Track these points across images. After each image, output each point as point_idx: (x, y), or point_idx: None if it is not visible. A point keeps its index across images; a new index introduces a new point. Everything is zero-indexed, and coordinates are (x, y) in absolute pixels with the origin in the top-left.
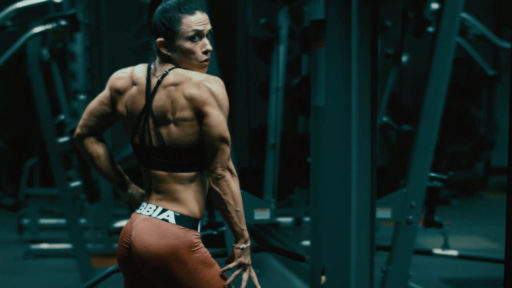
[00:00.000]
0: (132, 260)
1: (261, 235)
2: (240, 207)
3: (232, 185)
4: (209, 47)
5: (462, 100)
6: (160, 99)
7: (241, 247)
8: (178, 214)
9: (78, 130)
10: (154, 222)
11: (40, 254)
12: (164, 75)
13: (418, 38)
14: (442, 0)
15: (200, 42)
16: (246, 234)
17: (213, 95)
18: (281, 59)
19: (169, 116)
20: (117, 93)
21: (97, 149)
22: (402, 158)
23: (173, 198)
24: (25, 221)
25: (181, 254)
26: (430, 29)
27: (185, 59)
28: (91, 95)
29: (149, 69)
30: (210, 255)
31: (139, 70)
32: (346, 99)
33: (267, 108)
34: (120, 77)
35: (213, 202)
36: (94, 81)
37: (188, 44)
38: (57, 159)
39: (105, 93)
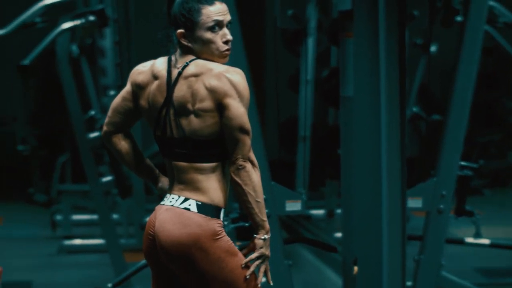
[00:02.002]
0: (157, 251)
1: (293, 227)
2: (261, 198)
3: (253, 175)
4: (230, 37)
5: (493, 89)
6: (180, 90)
7: (263, 237)
8: (200, 203)
9: (104, 128)
10: (176, 211)
11: (73, 250)
12: (185, 66)
13: (446, 28)
14: None
15: (220, 32)
16: (267, 225)
17: (233, 86)
18: (310, 52)
19: (189, 106)
20: (139, 88)
21: (125, 145)
22: (432, 148)
23: (195, 187)
24: (58, 217)
25: (203, 242)
26: (459, 18)
27: (205, 50)
28: (121, 90)
29: (169, 61)
30: (233, 244)
31: (160, 63)
32: (375, 89)
33: (297, 101)
34: (141, 71)
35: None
36: (123, 76)
37: (208, 35)
38: (88, 154)
39: (127, 89)
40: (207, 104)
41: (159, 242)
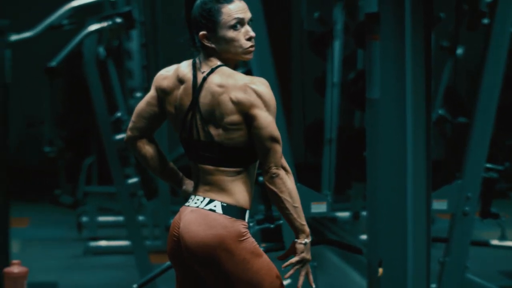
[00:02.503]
0: (182, 252)
1: (319, 229)
2: (298, 203)
3: (288, 182)
4: (252, 33)
5: None
6: (206, 97)
7: (303, 242)
8: (225, 204)
9: (128, 133)
10: (201, 212)
11: (98, 251)
12: (210, 72)
13: (472, 31)
14: None
15: (243, 30)
16: (307, 229)
17: (259, 97)
18: (336, 54)
19: (217, 119)
20: (164, 92)
21: (150, 150)
22: (458, 150)
23: (220, 189)
24: (84, 219)
25: (228, 244)
26: (485, 21)
27: (229, 49)
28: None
29: (194, 64)
30: (258, 245)
31: (185, 67)
32: (400, 91)
33: (322, 103)
34: (165, 76)
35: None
36: (150, 79)
37: (231, 33)
38: (114, 156)
39: (151, 94)
40: (235, 118)
41: (184, 243)
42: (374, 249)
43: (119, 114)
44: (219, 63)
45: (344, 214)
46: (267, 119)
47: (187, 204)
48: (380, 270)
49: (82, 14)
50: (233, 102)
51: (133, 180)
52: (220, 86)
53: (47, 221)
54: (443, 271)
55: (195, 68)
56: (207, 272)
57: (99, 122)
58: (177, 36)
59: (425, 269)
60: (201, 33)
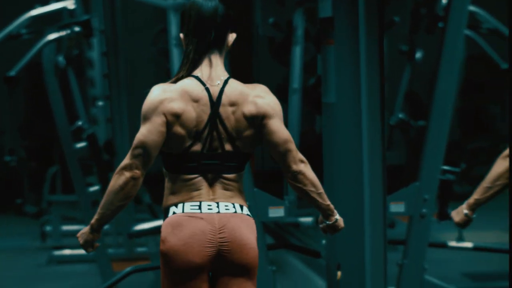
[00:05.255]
0: (217, 260)
1: (280, 234)
2: (321, 189)
3: (308, 174)
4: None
5: (481, 96)
6: (226, 111)
7: (338, 217)
8: (247, 207)
9: (134, 173)
10: (243, 218)
11: (62, 260)
12: (225, 84)
13: (430, 34)
14: None
15: None
16: (332, 206)
17: (269, 106)
18: (297, 60)
19: (234, 133)
20: (175, 116)
21: (134, 192)
22: (419, 154)
23: (239, 193)
24: (48, 228)
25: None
26: (441, 25)
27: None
28: (109, 101)
29: (198, 78)
30: None
31: (191, 84)
32: (356, 95)
33: (285, 109)
34: (172, 98)
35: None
36: (111, 87)
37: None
38: (75, 164)
39: (160, 122)
40: (250, 131)
41: (235, 247)
42: (332, 252)
43: (80, 122)
44: (225, 71)
45: (307, 219)
46: (277, 125)
47: (208, 211)
48: (339, 273)
49: (41, 23)
50: (246, 118)
51: (95, 188)
52: (235, 103)
53: (11, 231)
54: (402, 273)
55: (203, 82)
56: (236, 275)
57: (59, 131)
58: (138, 44)
59: (382, 271)
60: (233, 34)
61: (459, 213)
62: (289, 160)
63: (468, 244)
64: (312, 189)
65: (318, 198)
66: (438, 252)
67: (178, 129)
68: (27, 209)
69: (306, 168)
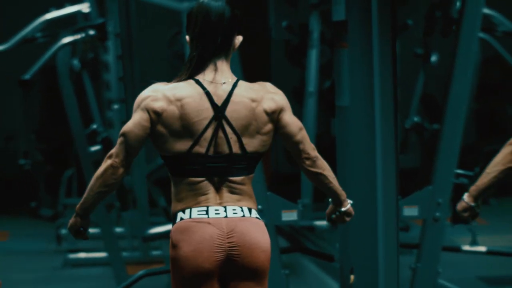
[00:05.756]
0: (228, 265)
1: (295, 237)
2: (333, 173)
3: (322, 160)
4: None
5: (497, 98)
6: (239, 111)
7: (350, 201)
8: (256, 210)
9: (114, 161)
10: (253, 221)
11: (77, 263)
12: (234, 86)
13: (445, 38)
14: None
15: None
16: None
17: (283, 101)
18: (313, 63)
19: (253, 131)
20: (156, 114)
21: (117, 183)
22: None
23: (249, 196)
24: (63, 231)
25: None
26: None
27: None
28: (124, 104)
29: (198, 82)
30: None
31: (183, 86)
32: (369, 98)
33: (301, 112)
34: (155, 98)
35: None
36: (126, 90)
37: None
38: (90, 168)
39: (144, 117)
40: (269, 126)
41: (246, 251)
42: (345, 256)
43: (94, 126)
44: (232, 74)
45: (322, 223)
46: (292, 116)
47: (218, 215)
48: (352, 277)
49: (56, 27)
50: (267, 113)
51: None
52: (254, 100)
53: (27, 234)
54: (415, 277)
55: (202, 85)
56: (250, 279)
57: (74, 134)
58: (153, 47)
59: (395, 275)
60: (240, 36)
61: (460, 201)
62: (307, 147)
63: (482, 248)
64: (330, 173)
65: (335, 183)
66: (452, 256)
67: (161, 129)
68: (43, 212)
69: (319, 156)
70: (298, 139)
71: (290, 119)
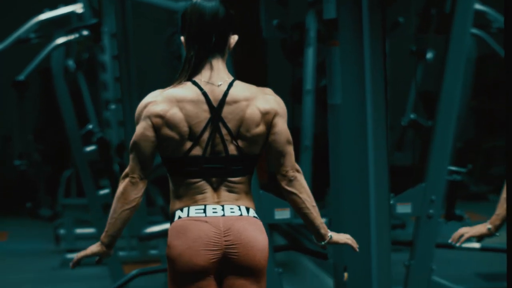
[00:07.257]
0: (222, 263)
1: (292, 235)
2: (314, 202)
3: (304, 183)
4: None
5: (496, 95)
6: (232, 112)
7: (330, 235)
8: (254, 210)
9: (130, 178)
10: (250, 220)
11: None
12: (230, 86)
13: (439, 35)
14: None
15: None
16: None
17: (279, 106)
18: (309, 61)
19: (245, 131)
20: (160, 117)
21: (138, 199)
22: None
23: (246, 196)
24: (61, 231)
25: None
26: None
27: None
28: (121, 105)
29: (195, 83)
30: None
31: (181, 89)
32: (361, 96)
33: (299, 110)
34: (155, 102)
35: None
36: (123, 90)
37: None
38: (85, 168)
39: (146, 126)
40: (261, 128)
41: (245, 250)
42: (339, 254)
43: (90, 126)
44: (228, 74)
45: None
46: (284, 125)
47: (215, 214)
48: (345, 274)
49: (50, 28)
50: (261, 112)
51: (105, 191)
52: (247, 99)
53: (26, 234)
54: (409, 274)
55: (199, 86)
56: (248, 278)
57: (69, 135)
58: (150, 47)
59: (388, 271)
60: (235, 36)
61: (481, 229)
62: (287, 163)
63: (476, 245)
64: (308, 199)
65: (313, 211)
66: (446, 253)
67: (167, 131)
68: (41, 212)
69: (301, 178)
70: (281, 150)
71: (282, 128)
